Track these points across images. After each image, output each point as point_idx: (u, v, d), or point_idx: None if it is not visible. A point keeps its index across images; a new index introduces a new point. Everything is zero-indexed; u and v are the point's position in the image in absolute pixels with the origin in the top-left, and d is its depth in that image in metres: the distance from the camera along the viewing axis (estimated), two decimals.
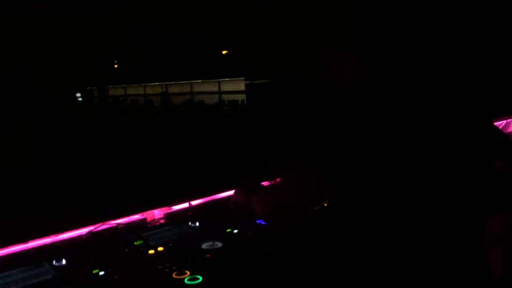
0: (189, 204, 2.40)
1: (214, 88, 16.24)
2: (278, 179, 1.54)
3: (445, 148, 1.32)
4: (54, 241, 2.04)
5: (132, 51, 17.64)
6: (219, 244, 1.89)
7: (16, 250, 1.95)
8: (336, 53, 1.56)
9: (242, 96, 13.25)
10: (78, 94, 18.97)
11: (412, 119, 1.32)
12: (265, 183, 1.86)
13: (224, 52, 15.99)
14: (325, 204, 2.35)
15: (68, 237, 2.08)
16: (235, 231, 2.04)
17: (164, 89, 18.21)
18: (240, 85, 14.65)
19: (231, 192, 2.51)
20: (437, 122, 1.33)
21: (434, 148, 1.32)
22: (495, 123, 2.37)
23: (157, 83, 18.61)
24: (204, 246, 1.88)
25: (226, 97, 14.72)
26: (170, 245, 1.92)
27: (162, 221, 2.30)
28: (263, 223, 2.14)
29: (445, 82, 1.42)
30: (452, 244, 1.32)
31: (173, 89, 17.89)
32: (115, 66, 19.86)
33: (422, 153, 1.31)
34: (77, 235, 2.10)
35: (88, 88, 18.89)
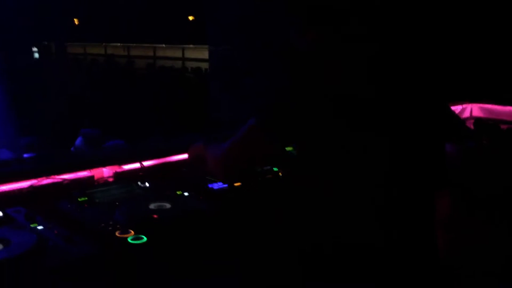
0: (141, 164, 2.32)
1: (178, 54, 15.90)
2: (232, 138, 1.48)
3: (401, 128, 1.31)
4: None
5: (94, 8, 16.94)
6: (168, 205, 1.84)
7: None
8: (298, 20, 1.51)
9: (205, 64, 13.06)
10: (35, 49, 18.02)
11: (368, 100, 1.29)
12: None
13: (190, 18, 15.64)
14: (280, 174, 2.34)
15: (8, 189, 1.97)
16: (186, 193, 1.99)
17: (125, 51, 17.69)
18: (205, 53, 14.42)
19: (183, 156, 2.45)
20: (394, 103, 1.32)
21: (391, 127, 1.30)
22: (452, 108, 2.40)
23: (118, 44, 18.03)
24: (151, 206, 1.82)
25: (190, 64, 14.47)
26: (117, 203, 1.85)
27: (110, 179, 2.22)
28: (214, 187, 2.10)
29: (402, 66, 1.40)
30: (403, 218, 1.33)
31: (135, 52, 17.40)
32: (76, 22, 19.04)
33: (378, 130, 1.29)
34: (18, 187, 2.00)
35: (45, 43, 18.01)
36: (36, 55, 20.37)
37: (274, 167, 2.32)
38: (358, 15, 1.36)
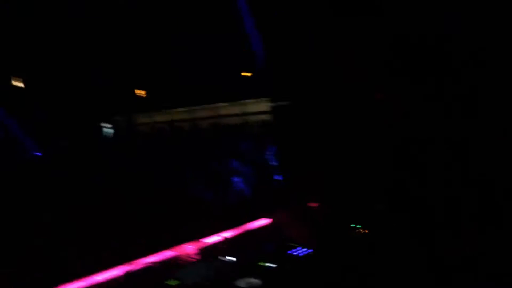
0: (222, 237, 2.34)
1: (238, 110, 16.33)
2: (316, 204, 1.49)
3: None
4: (88, 285, 2.01)
5: (156, 79, 17.92)
6: (256, 281, 1.82)
7: None
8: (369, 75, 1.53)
9: (267, 117, 13.27)
10: (109, 125, 19.07)
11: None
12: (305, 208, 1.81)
13: (247, 74, 16.16)
14: (362, 231, 2.27)
15: (103, 279, 2.04)
16: (271, 264, 1.97)
17: (189, 115, 18.47)
18: (263, 106, 14.72)
19: (262, 222, 2.46)
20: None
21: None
22: None
23: (183, 109, 18.85)
24: (240, 283, 1.81)
25: (251, 118, 14.82)
26: (207, 284, 1.86)
27: (195, 256, 2.25)
28: (295, 253, 2.07)
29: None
30: None
31: (198, 114, 18.10)
32: (140, 94, 20.19)
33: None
34: (113, 276, 2.06)
35: (116, 118, 19.14)
36: (111, 131, 21.75)
37: (358, 224, 2.26)
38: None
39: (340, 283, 1.88)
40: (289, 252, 2.06)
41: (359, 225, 2.28)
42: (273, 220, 1.99)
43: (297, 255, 2.04)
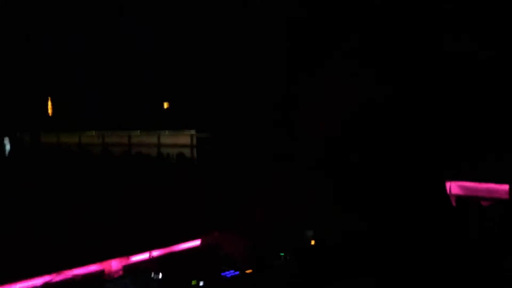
0: (150, 255, 2.33)
1: (153, 140, 16.08)
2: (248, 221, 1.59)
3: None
4: None
5: (67, 95, 17.25)
6: None
7: None
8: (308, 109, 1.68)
9: (184, 150, 13.27)
10: (7, 140, 17.85)
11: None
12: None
13: (165, 104, 16.10)
14: (288, 257, 2.39)
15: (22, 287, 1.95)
16: (201, 283, 2.01)
17: (100, 139, 17.74)
18: (180, 139, 14.70)
19: (192, 243, 2.49)
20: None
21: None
22: None
23: (93, 133, 18.12)
24: None
25: (166, 151, 14.66)
26: None
27: (120, 272, 2.22)
28: (227, 275, 2.13)
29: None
30: None
31: (110, 139, 17.47)
32: (49, 111, 19.18)
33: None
34: (31, 286, 1.98)
35: (17, 134, 17.94)
36: (8, 147, 20.20)
37: (281, 252, 2.37)
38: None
39: None
40: (219, 273, 2.12)
41: (282, 253, 2.39)
42: (206, 240, 2.05)
43: (225, 276, 2.10)
